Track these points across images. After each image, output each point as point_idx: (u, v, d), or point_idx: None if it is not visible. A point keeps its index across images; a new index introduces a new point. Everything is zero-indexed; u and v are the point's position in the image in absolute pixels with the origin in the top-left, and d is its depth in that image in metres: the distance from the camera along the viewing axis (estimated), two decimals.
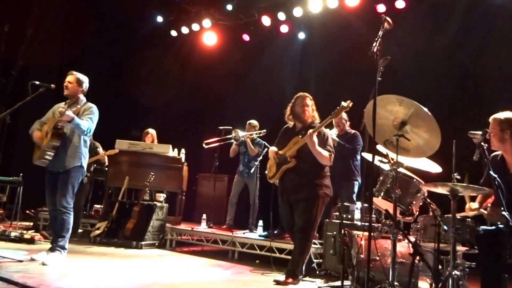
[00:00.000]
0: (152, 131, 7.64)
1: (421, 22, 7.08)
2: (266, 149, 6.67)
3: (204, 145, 6.95)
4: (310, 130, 4.26)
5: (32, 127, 4.69)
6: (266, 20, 8.69)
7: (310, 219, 4.30)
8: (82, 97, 4.74)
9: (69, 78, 4.68)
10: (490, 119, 3.49)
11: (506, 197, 3.05)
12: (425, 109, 3.21)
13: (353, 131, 5.85)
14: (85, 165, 4.65)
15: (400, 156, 3.47)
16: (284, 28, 8.72)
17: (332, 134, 5.62)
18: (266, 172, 4.70)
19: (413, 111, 3.26)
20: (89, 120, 4.52)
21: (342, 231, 3.80)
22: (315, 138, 4.22)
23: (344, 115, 5.86)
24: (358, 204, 5.03)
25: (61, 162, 4.48)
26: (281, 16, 8.45)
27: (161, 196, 7.23)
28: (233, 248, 5.91)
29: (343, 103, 4.25)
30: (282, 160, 4.46)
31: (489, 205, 3.50)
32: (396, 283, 3.30)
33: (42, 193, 6.20)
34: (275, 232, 5.81)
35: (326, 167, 4.48)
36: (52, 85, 4.57)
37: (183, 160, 7.20)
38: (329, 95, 6.71)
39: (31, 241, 5.64)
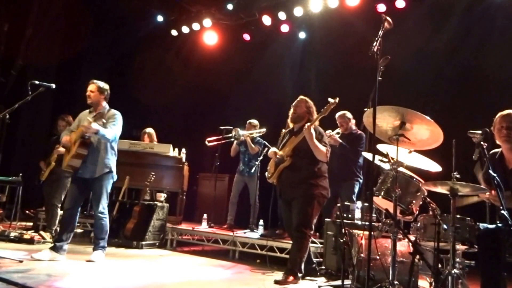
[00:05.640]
0: (150, 130, 7.50)
1: (421, 22, 7.07)
2: (266, 149, 6.66)
3: (206, 142, 6.93)
4: (307, 124, 4.37)
5: (62, 134, 4.98)
6: (266, 20, 8.70)
7: (306, 218, 4.32)
8: (105, 104, 4.93)
9: (91, 87, 4.86)
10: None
11: (505, 195, 3.05)
12: (418, 113, 3.28)
13: (359, 131, 5.78)
14: (114, 169, 4.87)
15: (413, 148, 3.52)
16: (284, 28, 8.73)
17: (333, 134, 5.61)
18: (266, 173, 4.74)
19: (409, 115, 3.34)
20: (113, 127, 4.72)
21: (343, 230, 3.81)
22: (312, 131, 4.32)
23: (348, 114, 5.83)
24: (359, 204, 5.03)
25: (90, 169, 4.70)
26: (282, 15, 8.47)
27: (162, 196, 7.21)
28: (234, 248, 5.91)
29: (330, 100, 4.39)
30: (279, 160, 4.54)
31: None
32: (396, 282, 3.31)
33: (42, 193, 6.19)
34: (277, 231, 5.82)
35: (324, 167, 4.50)
36: (52, 84, 4.58)
37: (183, 160, 7.19)
38: (329, 95, 6.67)
39: (30, 241, 5.64)
